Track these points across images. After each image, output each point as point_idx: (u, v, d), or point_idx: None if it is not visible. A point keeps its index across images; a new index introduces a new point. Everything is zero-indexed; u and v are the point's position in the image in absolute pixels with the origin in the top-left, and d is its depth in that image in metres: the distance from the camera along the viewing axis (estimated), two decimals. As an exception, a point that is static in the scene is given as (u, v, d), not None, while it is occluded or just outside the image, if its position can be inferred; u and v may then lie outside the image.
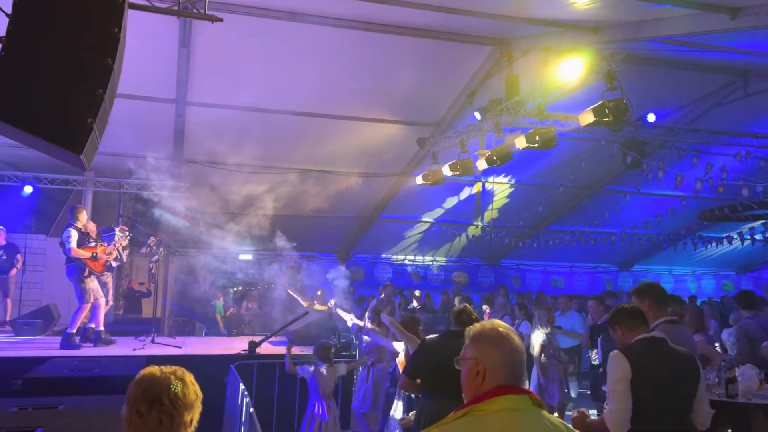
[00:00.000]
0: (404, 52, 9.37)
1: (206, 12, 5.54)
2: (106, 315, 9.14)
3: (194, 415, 2.07)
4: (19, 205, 12.01)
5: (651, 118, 10.17)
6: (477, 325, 2.21)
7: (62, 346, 7.91)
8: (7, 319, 10.87)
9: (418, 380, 4.58)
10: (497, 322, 2.20)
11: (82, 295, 8.21)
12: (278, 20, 8.37)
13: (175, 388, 2.00)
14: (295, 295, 10.69)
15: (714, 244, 15.95)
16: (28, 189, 11.33)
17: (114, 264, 9.10)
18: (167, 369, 2.07)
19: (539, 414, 2.01)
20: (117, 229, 9.13)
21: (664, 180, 11.73)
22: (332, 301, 9.06)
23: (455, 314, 4.79)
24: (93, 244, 8.41)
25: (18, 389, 5.18)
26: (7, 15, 3.37)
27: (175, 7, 5.50)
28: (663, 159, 11.40)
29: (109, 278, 8.97)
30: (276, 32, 8.65)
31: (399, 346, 6.47)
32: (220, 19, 5.62)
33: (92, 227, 8.75)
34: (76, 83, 3.36)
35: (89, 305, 8.26)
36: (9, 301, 11.12)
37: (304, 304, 10.33)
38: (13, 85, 3.28)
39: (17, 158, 11.03)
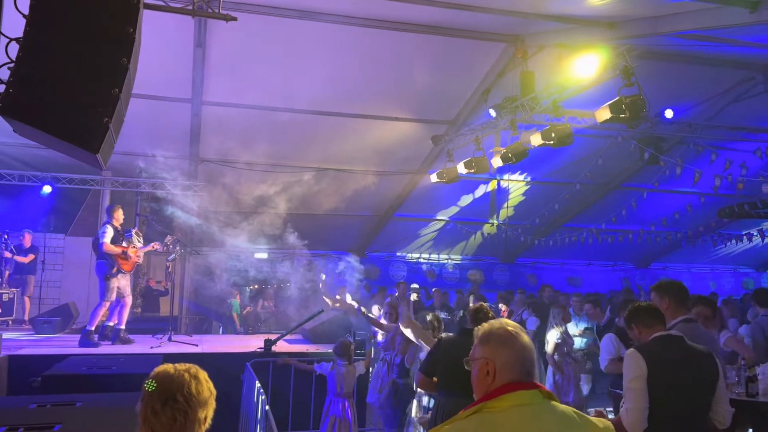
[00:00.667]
0: (418, 50, 9.36)
1: (220, 11, 5.56)
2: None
3: (208, 413, 2.09)
4: (39, 205, 12.19)
5: (668, 114, 10.07)
6: (485, 325, 2.21)
7: (81, 344, 7.98)
8: (26, 317, 11.03)
9: (435, 378, 4.59)
10: (505, 320, 2.20)
11: (104, 292, 8.28)
12: (292, 19, 8.40)
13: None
14: (326, 297, 10.75)
15: (733, 241, 15.76)
16: (47, 189, 11.49)
17: None
18: (181, 366, 2.09)
19: (550, 406, 2.01)
20: (134, 231, 9.20)
21: (682, 177, 11.61)
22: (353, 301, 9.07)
23: (472, 313, 4.78)
24: (125, 244, 8.50)
25: (37, 386, 5.25)
26: (24, 16, 3.41)
27: (190, 7, 5.53)
28: (681, 155, 11.29)
29: (127, 277, 9.05)
30: (290, 31, 8.67)
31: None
32: (235, 18, 5.64)
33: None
34: (91, 83, 3.38)
35: (109, 303, 8.33)
36: (27, 299, 11.29)
37: (329, 302, 10.37)
38: (30, 85, 3.31)
39: (36, 158, 11.17)
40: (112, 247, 8.24)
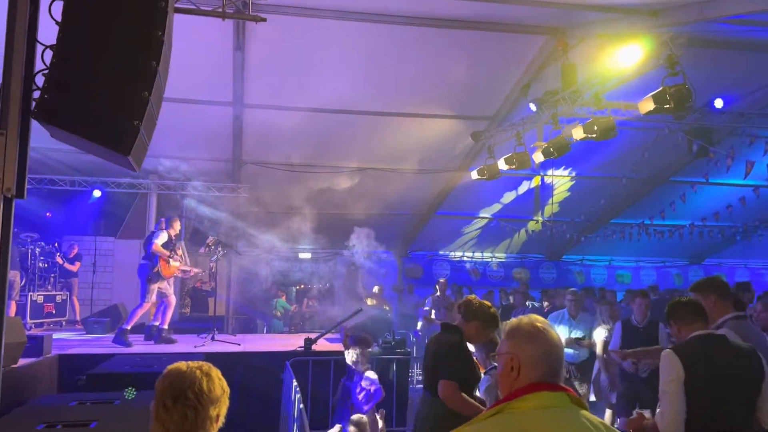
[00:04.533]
0: (457, 46, 9.25)
1: (250, 13, 5.61)
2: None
3: (220, 411, 2.08)
4: (89, 209, 12.65)
5: (718, 103, 9.67)
6: (514, 320, 2.14)
7: (114, 341, 8.25)
8: (77, 317, 11.50)
9: None
10: (534, 316, 2.12)
11: (145, 294, 8.56)
12: (329, 20, 8.41)
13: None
14: (367, 297, 10.79)
15: (793, 235, 15.09)
16: (96, 193, 11.91)
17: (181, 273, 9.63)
18: (193, 364, 2.10)
19: (577, 412, 1.90)
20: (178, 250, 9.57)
21: (734, 168, 11.16)
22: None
23: (457, 307, 4.47)
24: (174, 255, 8.84)
25: (83, 384, 5.41)
26: (57, 23, 3.50)
27: (220, 10, 5.60)
28: (732, 146, 10.84)
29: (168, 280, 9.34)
30: (327, 31, 8.69)
31: None
32: (264, 19, 5.68)
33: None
34: (122, 87, 3.44)
35: (148, 305, 8.60)
36: (75, 299, 11.79)
37: (370, 302, 10.38)
38: (64, 90, 3.39)
39: (86, 164, 11.54)
40: (161, 248, 8.55)
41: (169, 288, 8.86)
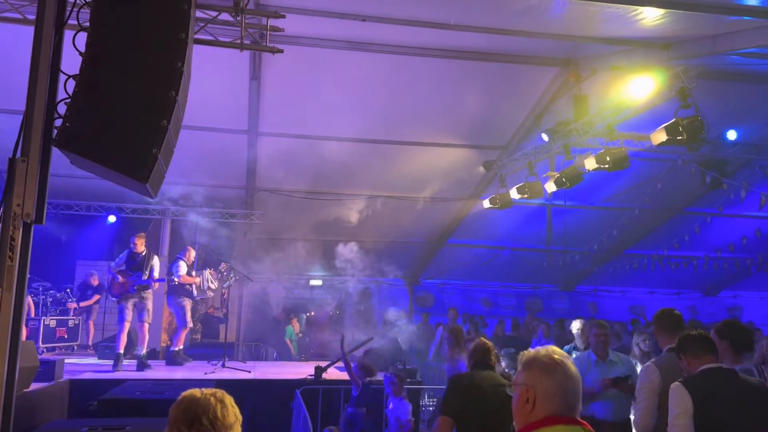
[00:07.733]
0: (470, 76, 9.35)
1: (267, 44, 5.73)
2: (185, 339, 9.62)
3: None
4: (104, 234, 12.76)
5: (731, 135, 9.69)
6: (531, 351, 2.13)
7: (113, 366, 8.49)
8: (89, 342, 11.54)
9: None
10: (552, 348, 2.11)
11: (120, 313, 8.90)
12: (343, 50, 8.53)
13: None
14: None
15: (810, 268, 14.89)
16: (111, 218, 12.02)
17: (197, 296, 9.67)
18: (207, 391, 2.12)
19: None
20: (206, 271, 9.64)
21: (748, 200, 11.10)
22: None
23: (471, 354, 4.26)
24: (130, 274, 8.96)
25: (94, 410, 5.41)
26: (81, 54, 3.59)
27: (238, 41, 5.72)
28: (746, 178, 10.80)
29: (186, 302, 9.42)
30: (342, 62, 8.81)
31: None
32: (281, 51, 5.80)
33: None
34: (141, 115, 3.52)
35: (127, 324, 8.82)
36: (92, 323, 11.83)
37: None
38: (85, 119, 3.47)
39: (102, 190, 11.66)
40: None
41: (130, 311, 8.92)
